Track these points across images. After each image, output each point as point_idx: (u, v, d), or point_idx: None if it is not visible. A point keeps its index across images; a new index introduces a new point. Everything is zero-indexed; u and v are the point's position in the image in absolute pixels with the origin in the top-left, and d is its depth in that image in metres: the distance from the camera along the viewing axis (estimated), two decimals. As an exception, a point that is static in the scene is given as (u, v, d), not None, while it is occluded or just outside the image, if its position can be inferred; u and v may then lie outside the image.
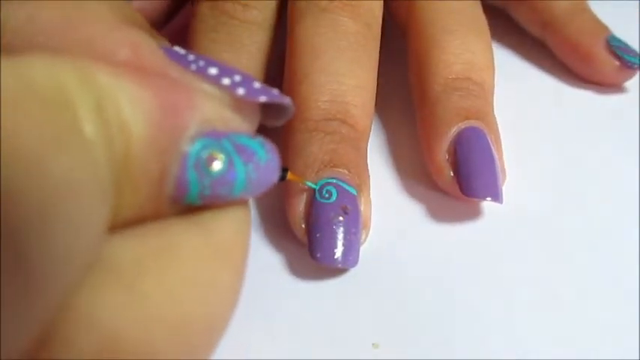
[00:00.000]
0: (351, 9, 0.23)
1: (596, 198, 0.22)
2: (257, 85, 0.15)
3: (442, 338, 0.18)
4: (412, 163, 0.24)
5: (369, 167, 0.22)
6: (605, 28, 0.27)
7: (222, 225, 0.14)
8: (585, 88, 0.27)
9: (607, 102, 0.26)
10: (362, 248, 0.20)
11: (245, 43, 0.24)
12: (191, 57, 0.15)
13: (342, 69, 0.22)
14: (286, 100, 0.16)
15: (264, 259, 0.20)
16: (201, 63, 0.15)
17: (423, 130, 0.23)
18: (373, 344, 0.18)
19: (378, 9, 0.24)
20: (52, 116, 0.11)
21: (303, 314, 0.19)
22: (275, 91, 0.15)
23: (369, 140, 0.22)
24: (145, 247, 0.13)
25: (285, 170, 0.18)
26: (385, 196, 0.22)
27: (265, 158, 0.14)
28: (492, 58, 0.24)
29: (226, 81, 0.15)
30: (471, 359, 0.18)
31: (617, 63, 0.26)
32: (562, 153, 0.24)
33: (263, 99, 0.15)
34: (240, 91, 0.15)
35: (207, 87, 0.14)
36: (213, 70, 0.15)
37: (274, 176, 0.15)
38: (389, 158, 0.24)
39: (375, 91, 0.23)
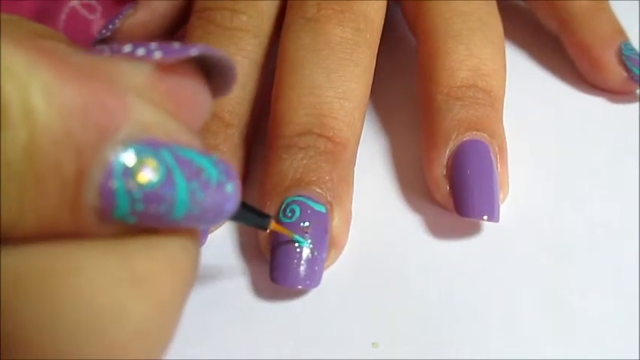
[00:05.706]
0: (341, 16, 0.21)
1: (596, 198, 0.22)
2: (177, 46, 0.13)
3: (442, 338, 0.18)
4: (417, 171, 0.23)
5: (372, 176, 0.21)
6: (620, 34, 0.26)
7: (149, 250, 0.12)
8: (586, 88, 0.27)
9: (608, 102, 0.26)
10: (362, 249, 0.20)
11: (231, 52, 0.22)
12: (107, 47, 0.13)
13: (320, 80, 0.21)
14: (208, 51, 0.13)
15: (263, 259, 0.20)
16: (116, 47, 0.13)
17: (424, 142, 0.22)
18: (373, 344, 0.18)
19: (374, 12, 0.22)
20: None
21: (303, 314, 0.19)
22: (198, 47, 0.13)
23: (372, 148, 0.21)
24: (33, 263, 0.11)
25: (267, 217, 0.17)
26: (387, 198, 0.22)
27: (217, 179, 0.12)
28: (502, 62, 0.23)
29: (141, 51, 0.13)
30: (471, 359, 0.18)
31: (624, 74, 0.25)
32: (563, 153, 0.24)
33: (184, 54, 0.13)
34: (158, 54, 0.13)
35: (126, 66, 0.13)
36: (127, 48, 0.13)
37: (230, 203, 0.13)
38: (393, 166, 0.24)
39: (364, 99, 0.21)
